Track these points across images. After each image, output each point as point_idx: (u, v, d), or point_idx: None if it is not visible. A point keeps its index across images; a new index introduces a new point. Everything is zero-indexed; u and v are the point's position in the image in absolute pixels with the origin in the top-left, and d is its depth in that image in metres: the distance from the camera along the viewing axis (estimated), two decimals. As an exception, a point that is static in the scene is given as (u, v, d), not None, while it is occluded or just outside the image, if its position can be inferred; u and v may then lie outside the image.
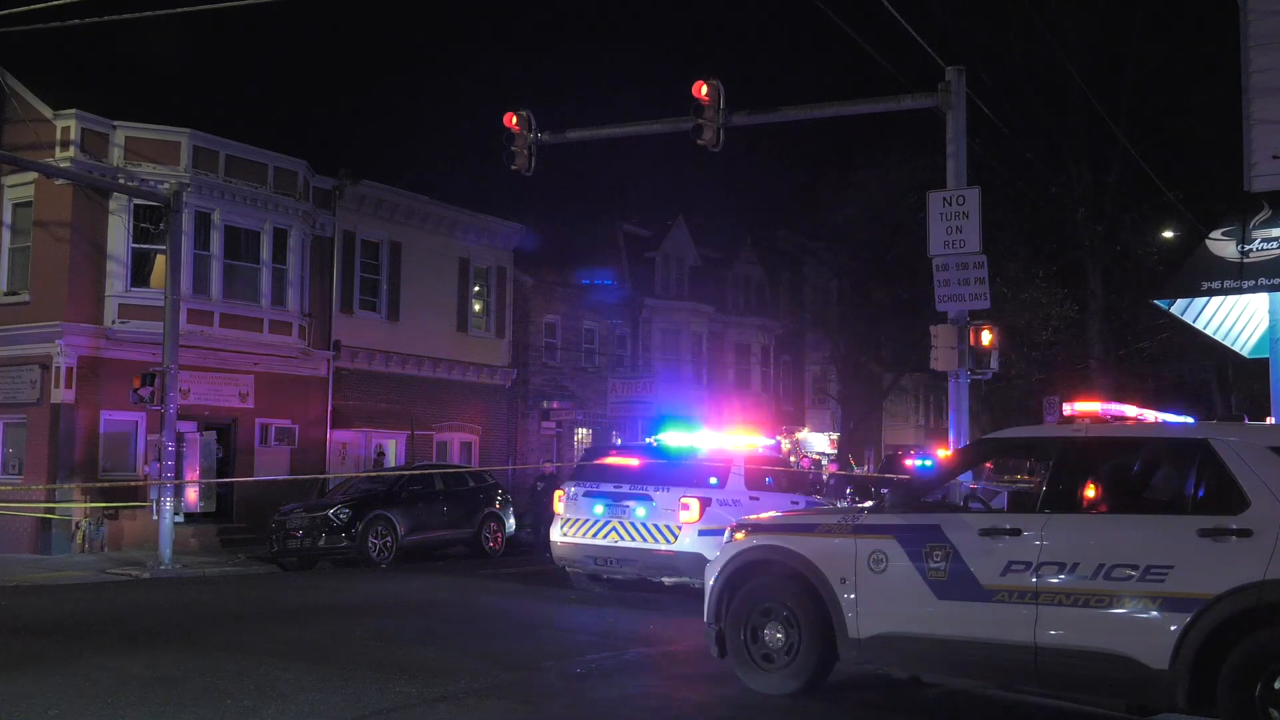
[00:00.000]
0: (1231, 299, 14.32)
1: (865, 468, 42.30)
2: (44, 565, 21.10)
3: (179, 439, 21.45)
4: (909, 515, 8.68)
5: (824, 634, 8.85)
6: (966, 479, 14.43)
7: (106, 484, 23.02)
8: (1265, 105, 13.40)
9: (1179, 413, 10.07)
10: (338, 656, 10.52)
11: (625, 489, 15.97)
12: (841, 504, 18.12)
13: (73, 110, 23.92)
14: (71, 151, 23.74)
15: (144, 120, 24.82)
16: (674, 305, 41.43)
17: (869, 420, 48.02)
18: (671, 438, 17.33)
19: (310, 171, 27.78)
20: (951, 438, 16.66)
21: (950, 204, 16.26)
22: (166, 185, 23.22)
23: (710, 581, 9.63)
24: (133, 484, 23.02)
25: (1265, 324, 14.85)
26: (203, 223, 25.38)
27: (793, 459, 27.59)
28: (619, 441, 36.01)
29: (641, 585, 16.35)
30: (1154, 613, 7.41)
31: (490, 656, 10.84)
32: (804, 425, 47.28)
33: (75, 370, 23.81)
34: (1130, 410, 8.93)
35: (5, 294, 24.97)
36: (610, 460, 17.44)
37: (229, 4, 16.01)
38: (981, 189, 16.68)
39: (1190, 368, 34.22)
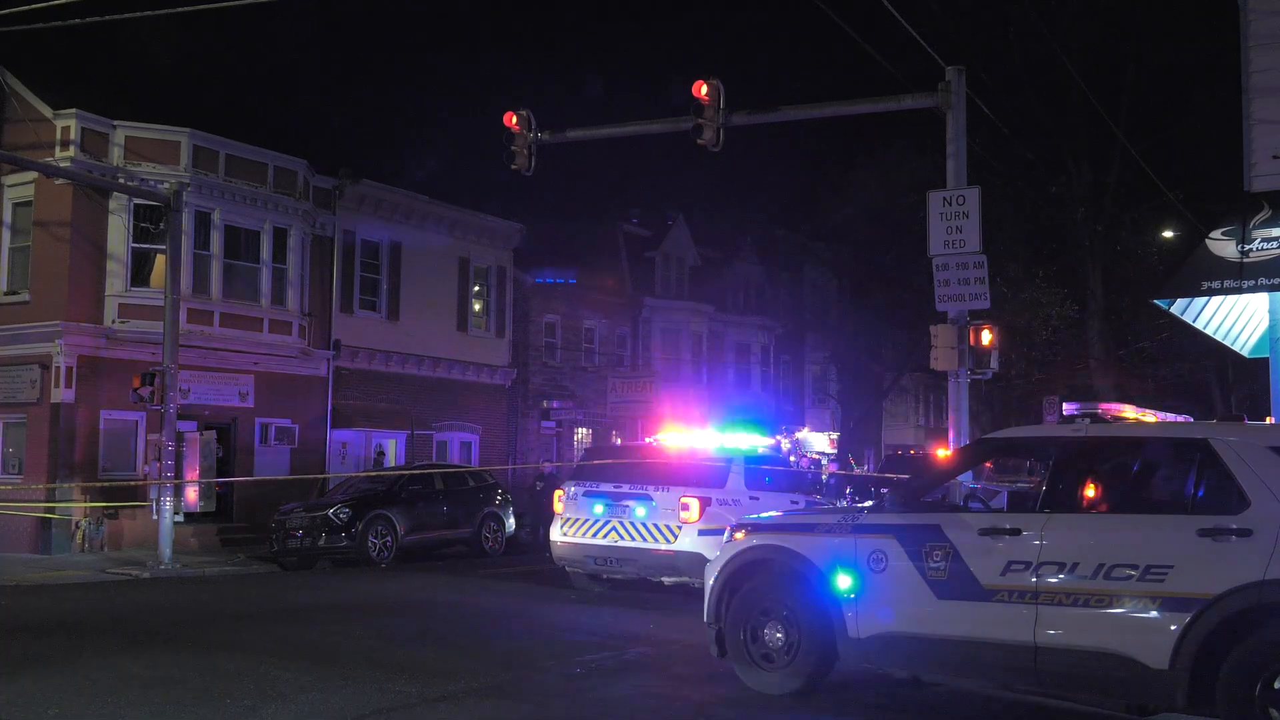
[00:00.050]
0: (1231, 299, 14.33)
1: (865, 468, 42.30)
2: (44, 565, 21.10)
3: (179, 439, 21.46)
4: (909, 515, 8.68)
5: (824, 634, 8.85)
6: (967, 479, 14.44)
7: (106, 483, 23.02)
8: (1265, 105, 13.40)
9: (1179, 413, 10.07)
10: (338, 656, 10.52)
11: (625, 489, 15.97)
12: (841, 504, 18.14)
13: (73, 110, 23.92)
14: (71, 151, 23.74)
15: (144, 120, 24.82)
16: (674, 305, 41.43)
17: (869, 420, 48.02)
18: (671, 437, 17.33)
19: (310, 171, 27.78)
20: (951, 438, 16.67)
21: (950, 204, 16.27)
22: (166, 185, 23.22)
23: (710, 581, 9.63)
24: (133, 483, 23.03)
25: (1265, 324, 14.86)
26: (203, 222, 25.38)
27: (793, 459, 27.56)
28: (619, 441, 36.02)
29: (641, 585, 16.34)
30: (1154, 612, 7.41)
31: (490, 656, 10.84)
32: (804, 425, 47.22)
33: (75, 370, 23.81)
34: (1130, 410, 8.94)
35: (5, 293, 24.97)
36: (610, 460, 17.45)
37: (229, 4, 16.01)
38: (981, 189, 16.69)
39: (1190, 368, 34.22)
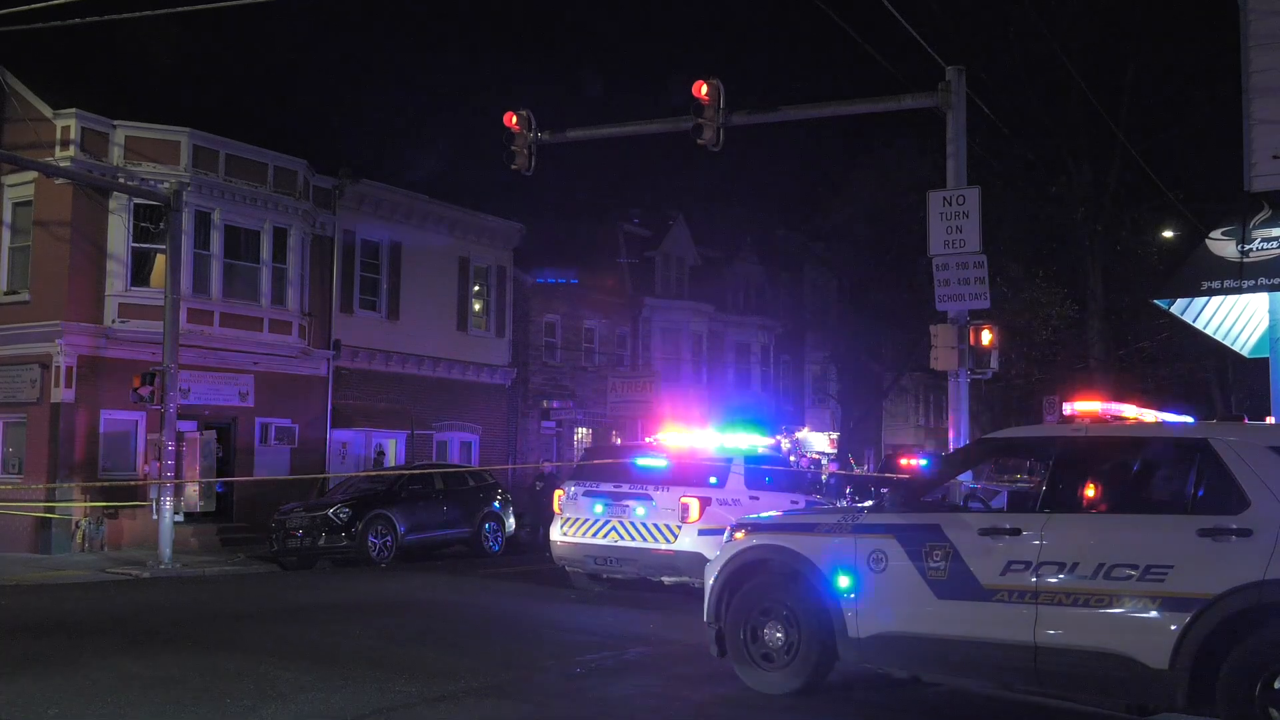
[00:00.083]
0: (1231, 299, 14.33)
1: (865, 467, 42.30)
2: (44, 564, 21.10)
3: (179, 438, 21.46)
4: (909, 515, 8.69)
5: (824, 633, 8.85)
6: (967, 479, 14.43)
7: (106, 483, 23.03)
8: (1265, 105, 13.40)
9: (1179, 413, 10.07)
10: (338, 656, 10.52)
11: (625, 488, 15.98)
12: (841, 504, 18.14)
13: (73, 110, 23.92)
14: (71, 151, 23.74)
15: (144, 119, 24.82)
16: (674, 304, 41.43)
17: (869, 420, 48.03)
18: (671, 437, 17.33)
19: (310, 171, 27.78)
20: (951, 437, 16.67)
21: (950, 204, 16.27)
22: (166, 185, 23.22)
23: (710, 581, 9.63)
24: (132, 483, 23.03)
25: (1265, 324, 14.86)
26: (202, 222, 25.38)
27: (793, 458, 27.57)
28: (619, 441, 36.02)
29: (641, 585, 16.34)
30: (1154, 612, 7.41)
31: (490, 656, 10.84)
32: (804, 425, 47.25)
33: (75, 369, 23.81)
34: (1130, 410, 8.94)
35: (5, 293, 24.97)
36: (610, 460, 17.45)
37: (228, 3, 16.01)
38: (981, 189, 16.69)
39: (1190, 368, 34.21)
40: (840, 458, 40.18)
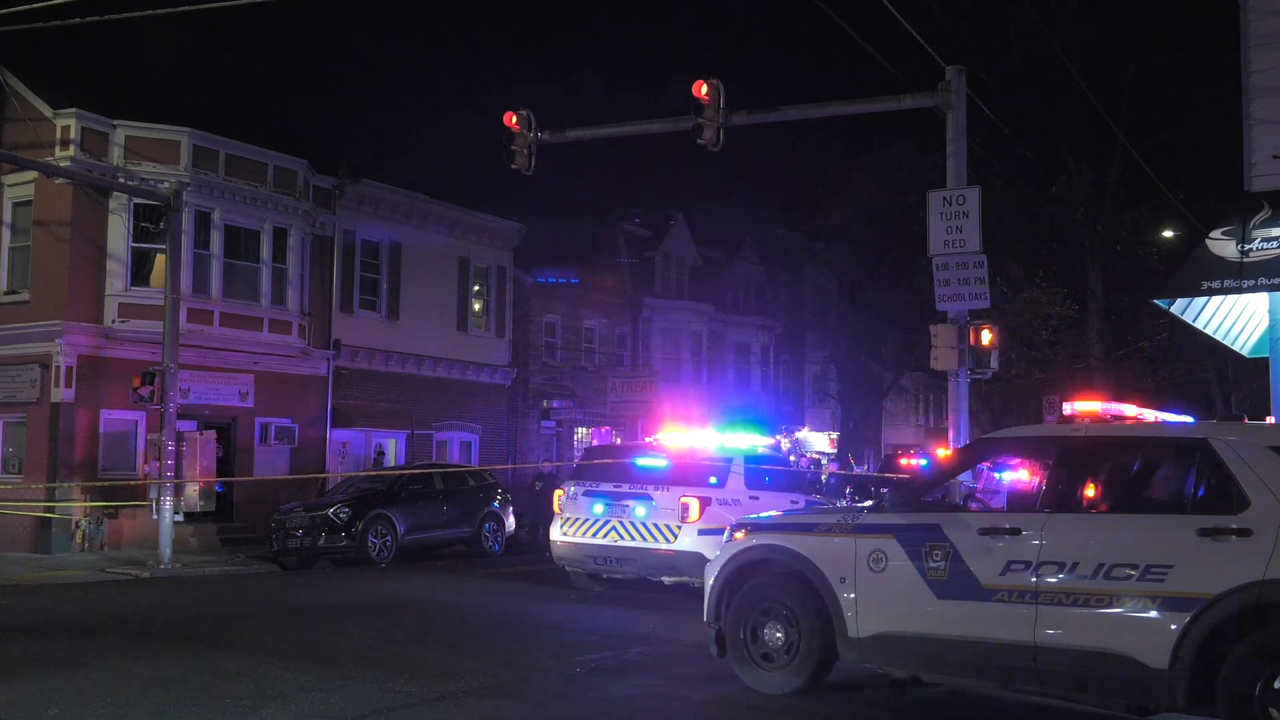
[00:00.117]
0: (1231, 299, 14.32)
1: (865, 467, 42.29)
2: (44, 564, 21.10)
3: (179, 438, 21.47)
4: (909, 515, 8.69)
5: (823, 633, 8.85)
6: (967, 478, 14.44)
7: (106, 483, 23.04)
8: (1265, 105, 13.40)
9: (1179, 413, 10.07)
10: (338, 656, 10.52)
11: (625, 488, 15.98)
12: (841, 503, 18.15)
13: (73, 109, 23.92)
14: (71, 150, 23.73)
15: (144, 119, 24.81)
16: (674, 304, 41.43)
17: (869, 420, 48.03)
18: (671, 437, 17.33)
19: (310, 170, 27.78)
20: (951, 437, 16.68)
21: (950, 204, 16.28)
22: (166, 184, 23.22)
23: (710, 581, 9.63)
24: (132, 483, 23.03)
25: (1265, 323, 14.86)
26: (202, 222, 25.38)
27: (792, 458, 27.57)
28: (619, 441, 36.01)
29: (641, 584, 16.34)
30: (1154, 612, 7.41)
31: (490, 656, 10.84)
32: (804, 425, 47.25)
33: (75, 369, 23.81)
34: (1130, 410, 8.94)
35: (5, 293, 24.97)
36: (610, 460, 17.45)
37: (228, 3, 16.00)
38: (981, 189, 16.69)
39: (1190, 367, 34.20)
40: (840, 458, 40.18)
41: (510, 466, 32.26)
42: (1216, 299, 14.36)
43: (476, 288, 33.82)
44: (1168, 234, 30.78)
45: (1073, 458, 8.34)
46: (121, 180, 24.01)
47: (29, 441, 24.11)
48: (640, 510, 15.64)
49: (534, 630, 12.84)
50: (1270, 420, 12.30)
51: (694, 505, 15.34)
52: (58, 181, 23.63)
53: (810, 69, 59.48)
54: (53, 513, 23.23)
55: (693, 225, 42.79)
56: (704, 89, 16.94)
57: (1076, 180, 29.97)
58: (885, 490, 10.07)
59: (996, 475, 17.76)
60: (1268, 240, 12.98)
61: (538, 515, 26.13)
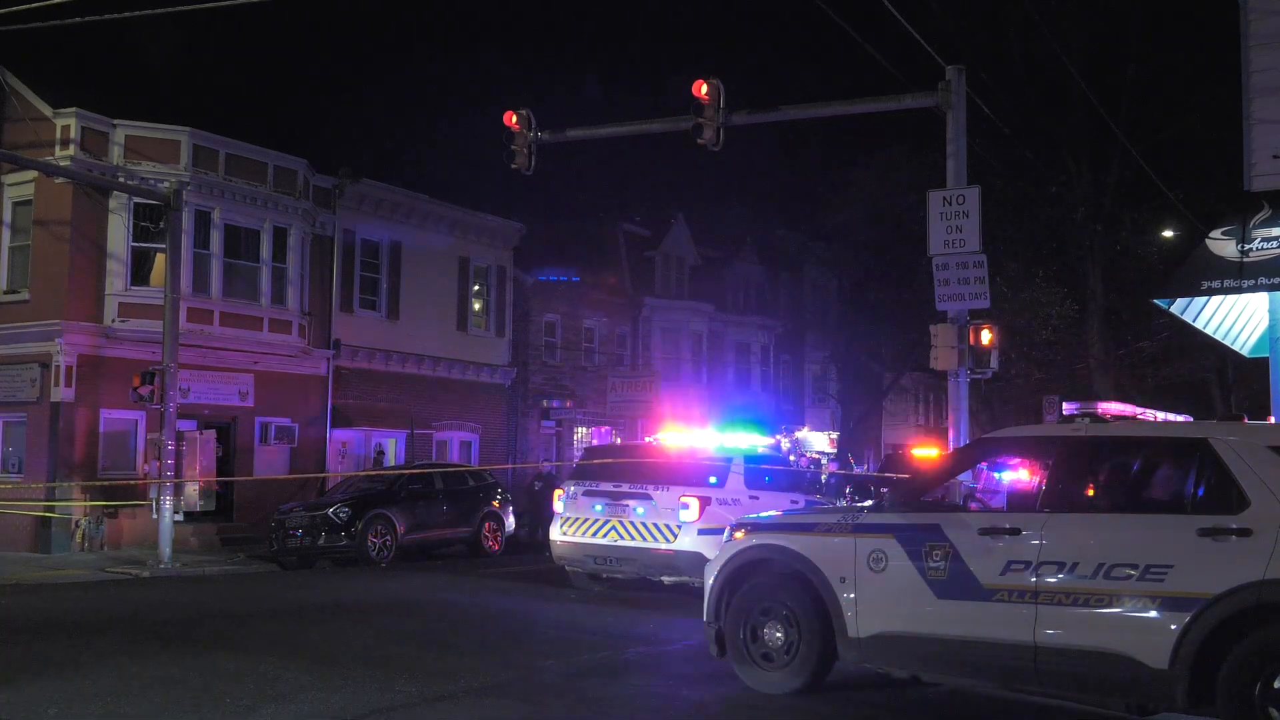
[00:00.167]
0: (1231, 298, 14.32)
1: (865, 467, 42.29)
2: (43, 564, 21.10)
3: (179, 438, 21.46)
4: (909, 515, 8.68)
5: (823, 633, 8.85)
6: (967, 478, 14.43)
7: (106, 483, 23.04)
8: (1265, 105, 13.40)
9: (1179, 413, 10.07)
10: (337, 656, 10.52)
11: (625, 488, 15.97)
12: (841, 503, 18.14)
13: (73, 109, 23.92)
14: (71, 150, 23.74)
15: (144, 119, 24.82)
16: (674, 304, 41.42)
17: (869, 419, 48.01)
18: (671, 437, 17.32)
19: (310, 170, 27.78)
20: (951, 437, 16.67)
21: (950, 203, 16.28)
22: (166, 184, 23.22)
23: (710, 580, 9.63)
24: (132, 483, 23.04)
25: (1265, 323, 14.86)
26: (202, 221, 25.38)
27: (792, 458, 27.56)
28: (618, 441, 36.01)
29: (641, 584, 16.34)
30: (1154, 612, 7.41)
31: (490, 655, 10.84)
32: (804, 424, 47.23)
33: (75, 369, 23.81)
34: (1128, 409, 8.93)
35: (5, 292, 24.97)
36: (610, 459, 17.45)
37: (228, 3, 16.00)
38: (981, 189, 16.69)
39: (1190, 367, 34.20)
40: (840, 458, 40.18)
41: (510, 466, 32.26)
42: (1216, 299, 14.36)
43: (476, 287, 33.82)
44: (1168, 234, 30.76)
45: (1073, 458, 8.34)
46: (121, 180, 24.02)
47: (29, 441, 24.11)
48: (640, 510, 15.63)
49: (534, 630, 12.84)
50: (1270, 420, 12.31)
51: (694, 505, 15.34)
52: (58, 181, 23.64)
53: (810, 69, 59.52)
54: (53, 512, 23.23)
55: (693, 225, 42.77)
56: (704, 89, 16.94)
57: (1076, 180, 29.95)
58: (885, 490, 10.06)
59: (996, 475, 17.74)
60: (1268, 240, 12.98)
61: (537, 515, 26.14)
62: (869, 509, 9.08)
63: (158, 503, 21.09)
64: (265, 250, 26.54)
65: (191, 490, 21.49)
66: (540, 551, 20.56)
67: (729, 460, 16.49)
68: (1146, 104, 29.23)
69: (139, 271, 24.80)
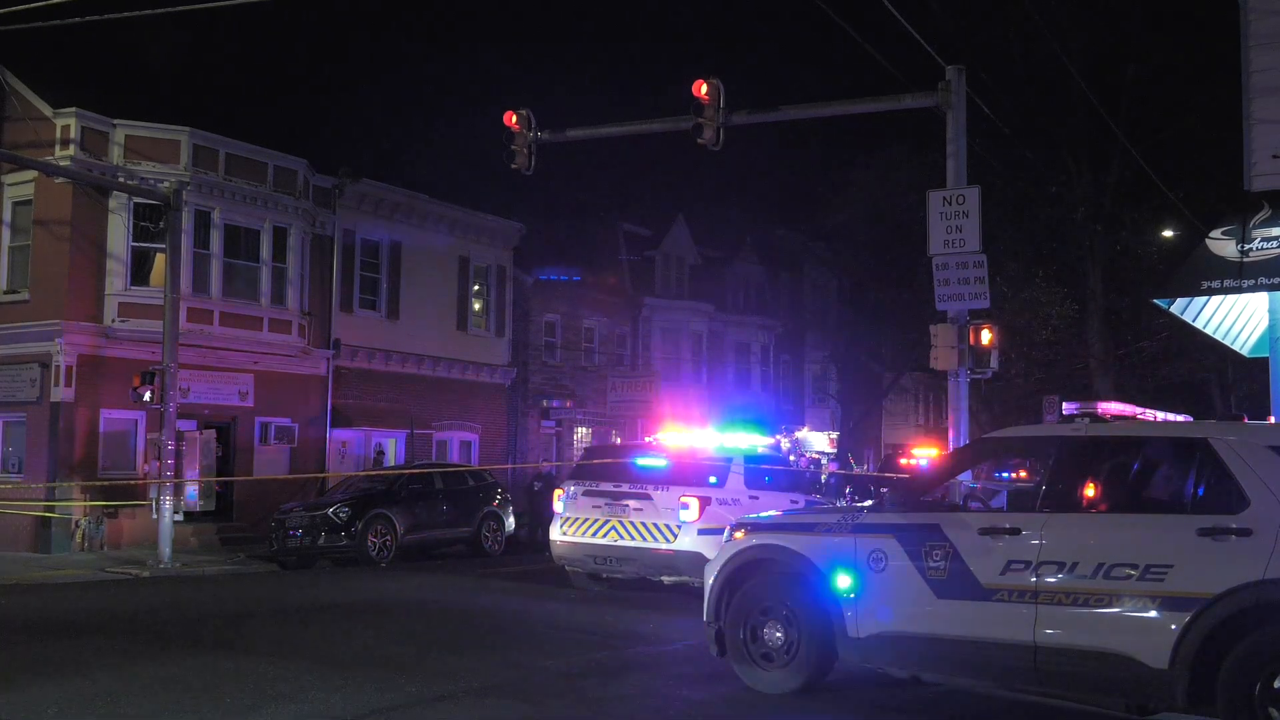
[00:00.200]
0: (1231, 298, 14.32)
1: (865, 467, 42.28)
2: (43, 564, 21.10)
3: (179, 438, 21.46)
4: (909, 515, 8.68)
5: (823, 633, 8.85)
6: (967, 478, 14.43)
7: (106, 483, 23.04)
8: (1265, 105, 13.40)
9: (1179, 413, 10.07)
10: (338, 656, 10.52)
11: (625, 488, 15.96)
12: (841, 503, 18.14)
13: (73, 109, 23.92)
14: (71, 150, 23.74)
15: (144, 119, 24.82)
16: (674, 304, 41.42)
17: (869, 419, 48.02)
18: (671, 437, 17.32)
19: (310, 170, 27.78)
20: (951, 437, 16.67)
21: (950, 203, 16.28)
22: (166, 184, 23.22)
23: (710, 580, 9.63)
24: (132, 483, 23.04)
25: (1265, 323, 14.86)
26: (202, 221, 25.38)
27: (792, 458, 27.56)
28: (618, 440, 36.00)
29: (641, 584, 16.34)
30: (1153, 612, 7.41)
31: (490, 655, 10.84)
32: (804, 424, 47.22)
33: (75, 369, 23.81)
34: (1128, 409, 8.93)
35: (5, 292, 24.97)
36: (610, 459, 17.44)
37: (228, 2, 15.99)
38: (981, 189, 16.69)
39: (1190, 367, 34.21)
40: (840, 457, 40.18)
41: (510, 466, 32.26)
42: (1216, 299, 14.37)
43: (476, 287, 33.81)
44: (1168, 234, 30.76)
45: (1072, 457, 8.34)
46: (121, 180, 24.01)
47: (29, 441, 24.11)
48: (640, 510, 15.62)
49: (534, 630, 12.83)
50: (1270, 419, 12.31)
51: (694, 505, 15.33)
52: (58, 181, 23.63)
53: (810, 69, 59.52)
54: (53, 512, 23.23)
55: (693, 225, 42.78)
56: (704, 89, 16.93)
57: (1076, 180, 29.96)
58: (885, 490, 10.06)
59: (996, 475, 17.76)
60: (1267, 240, 12.98)
61: (537, 515, 26.13)
62: (869, 509, 9.08)
63: (157, 503, 21.09)
64: (265, 250, 26.54)
65: (193, 489, 21.50)
66: (540, 551, 20.56)
67: (729, 460, 16.49)
68: (1146, 104, 29.26)
69: (139, 271, 24.80)
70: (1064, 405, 9.00)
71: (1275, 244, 12.91)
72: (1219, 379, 37.87)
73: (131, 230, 24.56)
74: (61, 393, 23.65)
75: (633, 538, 15.61)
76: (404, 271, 31.20)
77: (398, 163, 31.33)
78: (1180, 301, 14.60)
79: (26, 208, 24.91)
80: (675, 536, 15.30)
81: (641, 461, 16.54)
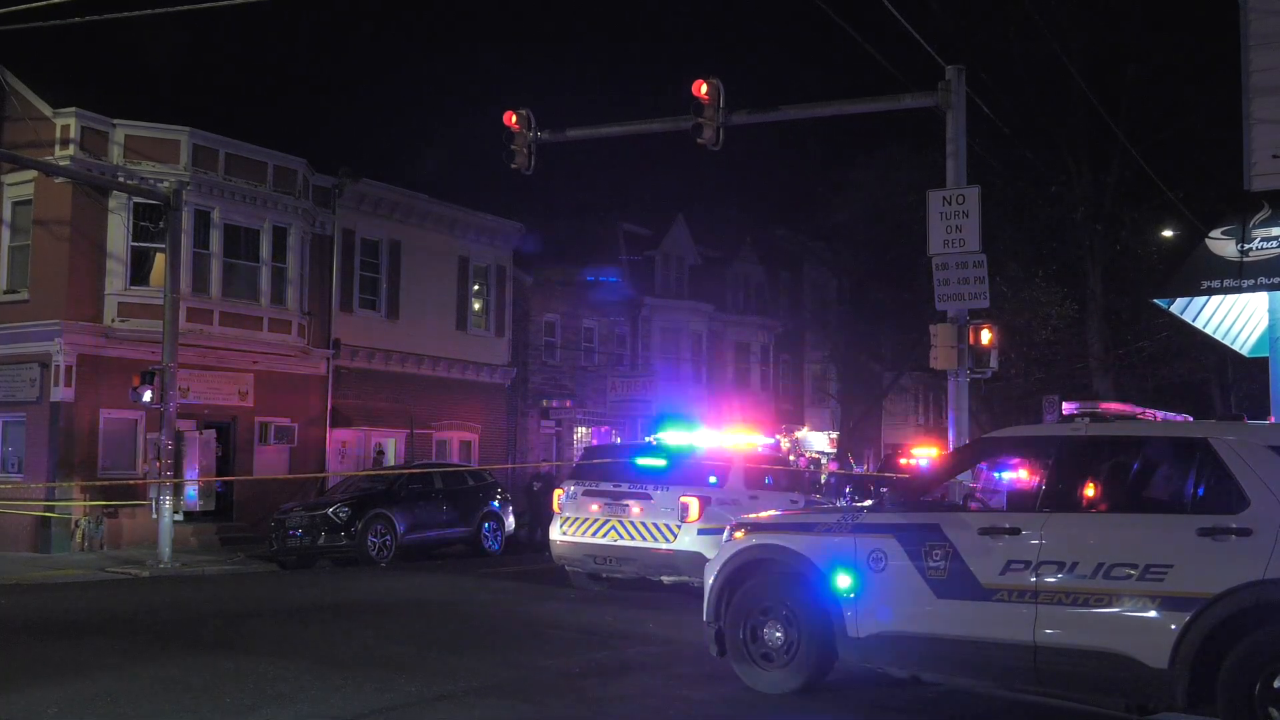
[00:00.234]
0: (1231, 298, 14.32)
1: (865, 467, 42.27)
2: (43, 563, 21.10)
3: (178, 437, 21.46)
4: (908, 514, 8.68)
5: (823, 633, 8.85)
6: (967, 478, 14.43)
7: (106, 482, 23.04)
8: (1265, 105, 13.39)
9: (1179, 413, 10.06)
10: (337, 655, 10.52)
11: (624, 488, 15.97)
12: (841, 503, 18.13)
13: (72, 108, 23.92)
14: (71, 150, 23.74)
15: (143, 118, 24.82)
16: (674, 304, 41.42)
17: (868, 419, 48.00)
18: (671, 436, 17.32)
19: (310, 170, 27.77)
20: (951, 436, 16.67)
21: (950, 203, 16.27)
22: (166, 183, 23.21)
23: (709, 580, 9.63)
24: (132, 482, 23.03)
25: (1265, 323, 14.85)
26: (202, 221, 25.38)
27: (792, 458, 27.57)
28: (618, 440, 35.99)
29: (641, 584, 16.34)
30: (1153, 612, 7.40)
31: (490, 655, 10.84)
32: (803, 424, 47.23)
33: (75, 368, 23.81)
34: (1128, 409, 8.93)
35: (5, 292, 24.97)
36: (610, 459, 17.44)
37: (228, 3, 15.99)
38: (981, 188, 16.69)
39: (1190, 367, 34.21)
40: (840, 457, 40.17)
41: (510, 466, 32.26)
42: (1216, 298, 14.36)
43: (476, 287, 33.81)
44: (1168, 234, 30.77)
45: (1072, 457, 8.34)
46: (121, 179, 24.01)
47: (28, 441, 24.11)
48: (640, 510, 15.63)
49: (534, 630, 12.83)
50: (1270, 420, 12.30)
51: (693, 505, 15.33)
52: (57, 181, 23.64)
53: (810, 69, 59.51)
54: (52, 512, 23.23)
55: (693, 225, 42.78)
56: (704, 89, 16.93)
57: (1076, 180, 29.96)
58: (885, 490, 10.06)
59: (996, 475, 17.75)
60: (1267, 240, 12.97)
61: (537, 515, 26.14)
62: (869, 509, 9.08)
63: (157, 503, 21.09)
64: (265, 250, 26.54)
65: (193, 489, 21.50)
66: (540, 551, 20.56)
67: (729, 460, 16.49)
68: (1146, 104, 29.26)
69: (139, 271, 24.80)
70: (1064, 405, 9.00)
71: (1275, 244, 12.91)
72: (1219, 379, 37.87)
73: (131, 230, 24.56)
74: (61, 392, 23.65)
75: (633, 537, 15.62)
76: (404, 271, 31.20)
77: (397, 163, 31.33)
78: (1180, 301, 14.59)
79: (26, 207, 24.91)
80: (675, 536, 15.30)
81: (641, 461, 16.54)
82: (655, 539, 15.44)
